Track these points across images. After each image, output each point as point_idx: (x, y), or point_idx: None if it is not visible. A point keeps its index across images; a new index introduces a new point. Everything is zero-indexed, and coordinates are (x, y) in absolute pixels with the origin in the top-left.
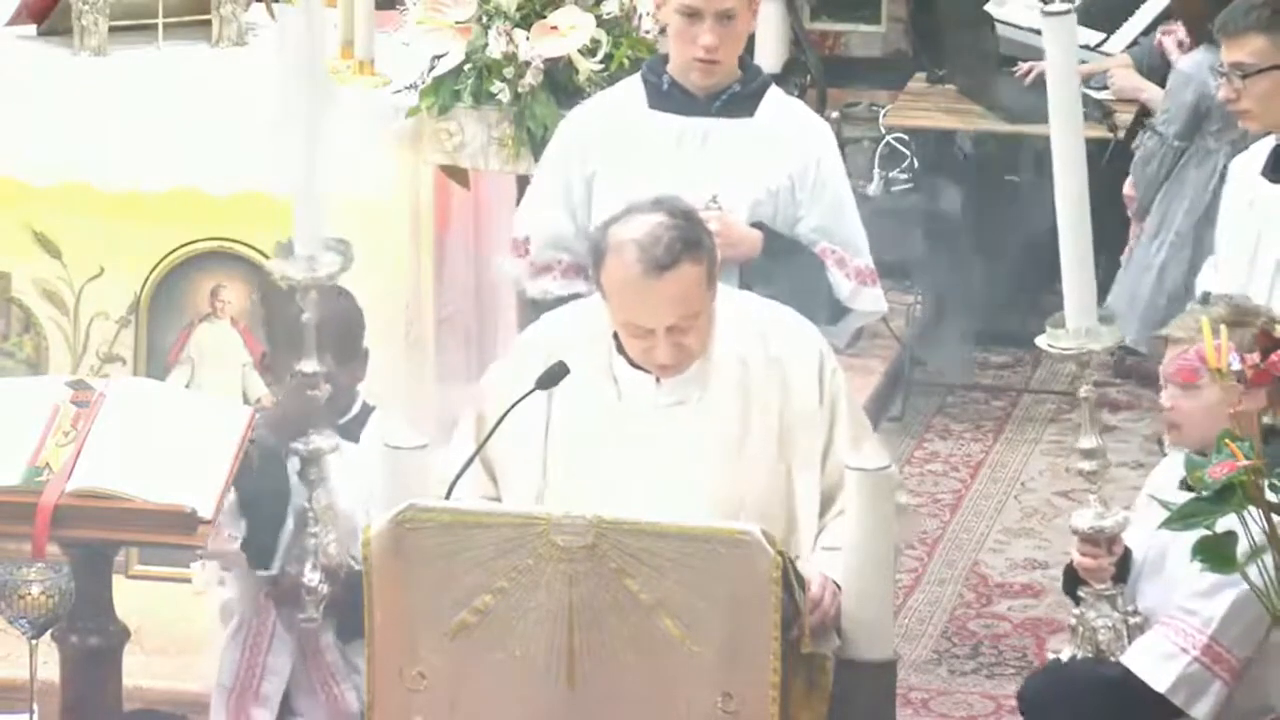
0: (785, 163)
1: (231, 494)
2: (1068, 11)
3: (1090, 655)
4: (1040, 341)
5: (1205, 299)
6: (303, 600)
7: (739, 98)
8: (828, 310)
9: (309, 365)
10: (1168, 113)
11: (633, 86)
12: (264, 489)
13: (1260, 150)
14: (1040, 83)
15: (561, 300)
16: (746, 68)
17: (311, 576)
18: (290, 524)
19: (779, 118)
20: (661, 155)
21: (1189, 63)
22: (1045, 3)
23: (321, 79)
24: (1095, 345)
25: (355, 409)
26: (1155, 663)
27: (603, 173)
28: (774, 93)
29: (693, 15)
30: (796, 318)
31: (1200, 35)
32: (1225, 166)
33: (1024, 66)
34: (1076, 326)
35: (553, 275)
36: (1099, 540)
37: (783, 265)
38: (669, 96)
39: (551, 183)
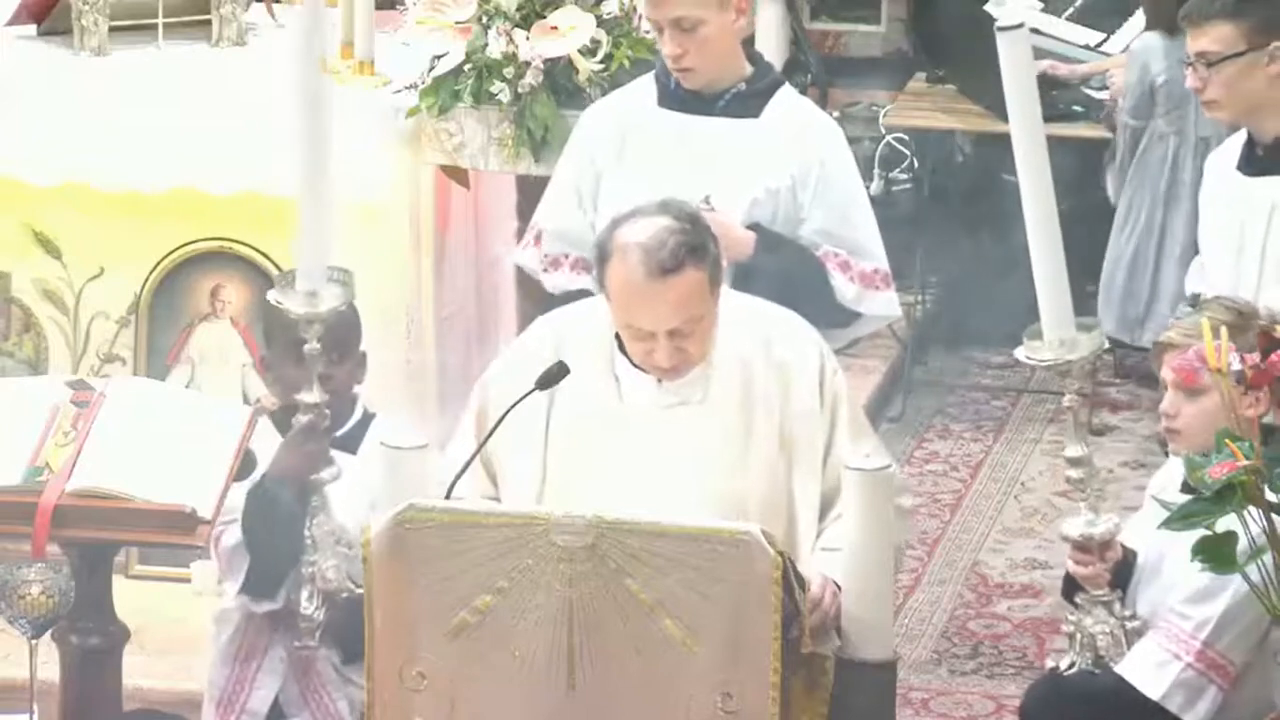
0: (787, 163)
1: (235, 537)
2: (1019, 26)
3: (1090, 662)
4: (1019, 353)
5: (1194, 301)
6: (299, 629)
7: (743, 97)
8: (830, 313)
9: (310, 396)
10: (1126, 92)
11: (646, 85)
12: (271, 531)
13: (1233, 145)
14: (1041, 82)
15: (571, 295)
16: (758, 65)
17: (308, 606)
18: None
19: (785, 118)
20: (666, 153)
21: (1139, 43)
22: (1051, 13)
23: (326, 106)
24: (1073, 355)
25: (355, 417)
26: (1149, 670)
27: (610, 169)
28: (785, 93)
29: (655, 26)
30: (798, 320)
31: (1154, 21)
32: (1177, 151)
33: None
34: (1053, 337)
35: (562, 271)
36: (1090, 547)
37: (779, 267)
38: (676, 95)
39: (565, 177)
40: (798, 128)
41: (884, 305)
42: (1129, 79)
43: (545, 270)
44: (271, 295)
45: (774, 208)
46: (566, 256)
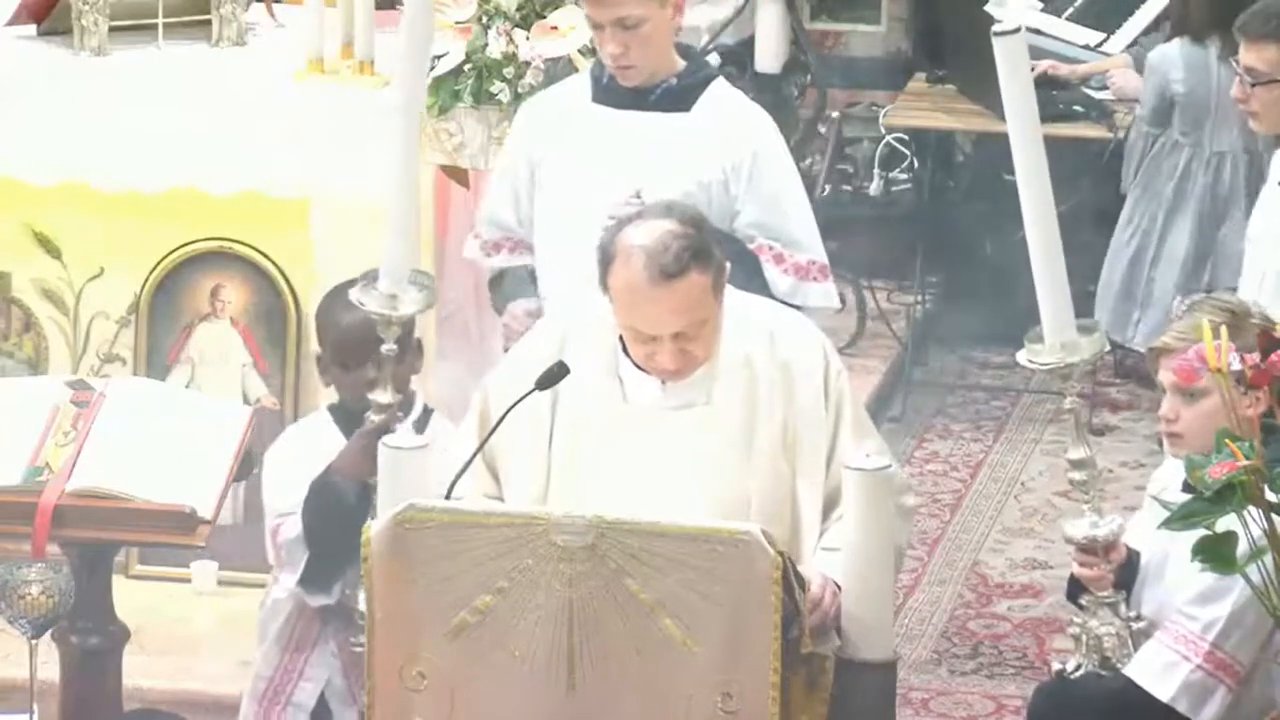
0: (718, 156)
1: (295, 529)
2: (1016, 30)
3: (1096, 664)
4: (1020, 357)
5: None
6: (355, 625)
7: (674, 91)
8: None
9: (384, 396)
10: (1142, 98)
11: (582, 80)
12: (332, 527)
13: None
14: (1041, 82)
15: (514, 271)
16: (690, 59)
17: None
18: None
19: (716, 111)
20: (599, 147)
21: (1158, 54)
22: (1059, 16)
23: (420, 119)
24: (1074, 358)
25: (416, 412)
26: (1157, 672)
27: (546, 162)
28: (717, 86)
29: (596, 25)
30: (802, 319)
31: (1178, 29)
32: (1189, 163)
33: None
34: (1054, 341)
35: (503, 253)
36: (1094, 549)
37: None
38: (608, 90)
39: (503, 169)
40: (729, 120)
41: (821, 297)
42: (1147, 88)
43: (488, 255)
44: (353, 294)
45: (706, 201)
46: (507, 239)
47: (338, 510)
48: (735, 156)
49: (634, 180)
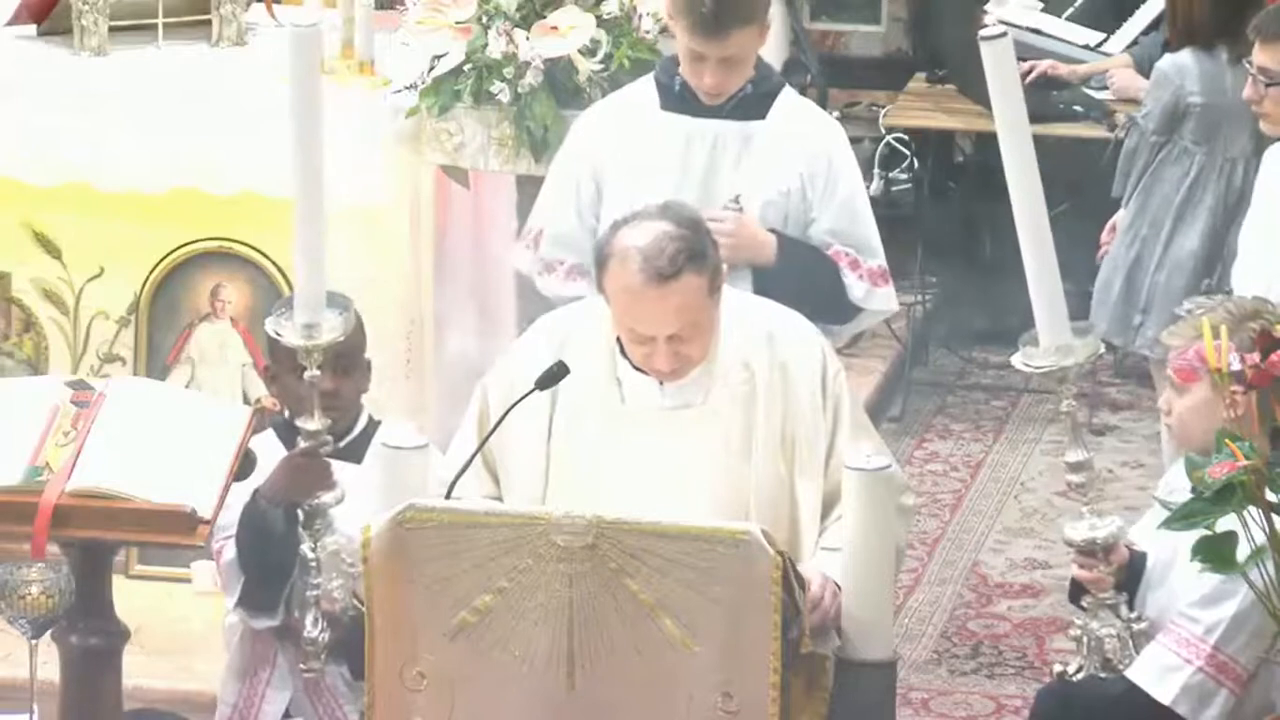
0: (796, 164)
1: (229, 553)
2: (1003, 34)
3: (1098, 666)
4: (1016, 361)
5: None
6: (304, 652)
7: (750, 99)
8: (841, 312)
9: (311, 424)
10: (1147, 108)
11: (646, 87)
12: (263, 550)
13: None
14: (1041, 82)
15: (564, 301)
16: (759, 67)
17: (312, 630)
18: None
19: (791, 119)
20: (671, 157)
21: (1170, 63)
22: (1040, 13)
23: (319, 120)
24: (1069, 361)
25: (360, 426)
26: (1159, 674)
27: (613, 173)
28: (787, 93)
29: (697, 58)
30: (800, 319)
31: (1184, 39)
32: (1201, 170)
33: (1024, 66)
34: (1049, 344)
35: (556, 275)
36: (1094, 551)
37: (798, 269)
38: (680, 98)
39: (563, 181)
40: (804, 128)
41: (885, 300)
42: (1158, 98)
43: (540, 274)
44: (269, 325)
45: (785, 208)
46: (562, 262)
47: (265, 533)
48: (812, 165)
49: (714, 189)
